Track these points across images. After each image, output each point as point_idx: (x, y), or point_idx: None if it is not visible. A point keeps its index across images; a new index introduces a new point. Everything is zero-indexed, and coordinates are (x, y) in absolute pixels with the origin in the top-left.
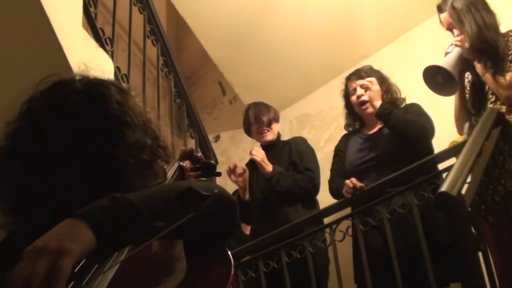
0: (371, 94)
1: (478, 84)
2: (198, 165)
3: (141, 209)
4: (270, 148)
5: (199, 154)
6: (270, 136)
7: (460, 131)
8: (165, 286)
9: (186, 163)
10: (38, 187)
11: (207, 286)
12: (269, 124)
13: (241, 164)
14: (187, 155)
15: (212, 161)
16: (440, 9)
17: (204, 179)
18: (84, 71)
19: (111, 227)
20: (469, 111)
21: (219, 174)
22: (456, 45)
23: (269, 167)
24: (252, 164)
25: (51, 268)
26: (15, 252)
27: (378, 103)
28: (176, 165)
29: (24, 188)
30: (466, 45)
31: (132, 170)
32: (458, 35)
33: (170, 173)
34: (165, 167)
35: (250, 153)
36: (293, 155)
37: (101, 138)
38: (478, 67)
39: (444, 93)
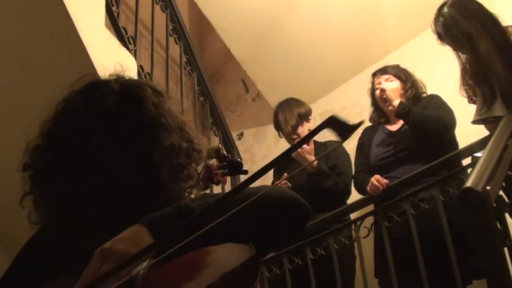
0: (388, 94)
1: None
2: (225, 163)
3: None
4: None
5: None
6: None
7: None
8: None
9: (213, 161)
10: (72, 187)
11: (234, 283)
12: (296, 129)
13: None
14: (214, 153)
15: (239, 159)
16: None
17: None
18: (120, 71)
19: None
20: None
21: (245, 172)
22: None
23: (312, 159)
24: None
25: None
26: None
27: (396, 102)
28: (202, 163)
29: (59, 188)
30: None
31: (167, 173)
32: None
33: None
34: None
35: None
36: (331, 158)
37: (137, 140)
38: None
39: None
